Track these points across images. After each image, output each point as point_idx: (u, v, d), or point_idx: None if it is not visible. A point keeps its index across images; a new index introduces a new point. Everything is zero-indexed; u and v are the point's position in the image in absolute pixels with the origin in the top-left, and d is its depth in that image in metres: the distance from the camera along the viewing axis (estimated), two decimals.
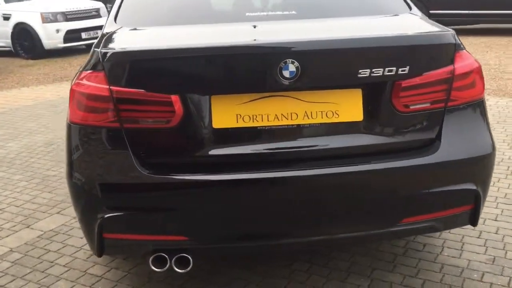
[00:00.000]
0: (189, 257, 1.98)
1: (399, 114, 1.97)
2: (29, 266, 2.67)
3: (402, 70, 1.92)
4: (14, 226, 3.15)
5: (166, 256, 1.99)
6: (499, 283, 2.32)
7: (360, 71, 1.89)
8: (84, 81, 1.97)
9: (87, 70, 1.99)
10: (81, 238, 2.85)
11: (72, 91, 2.02)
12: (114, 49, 1.97)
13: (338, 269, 2.45)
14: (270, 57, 1.87)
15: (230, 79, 1.92)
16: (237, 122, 1.93)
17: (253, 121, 1.94)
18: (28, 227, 3.13)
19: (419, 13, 2.41)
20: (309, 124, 1.95)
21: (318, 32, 2.14)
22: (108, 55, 1.93)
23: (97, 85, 1.93)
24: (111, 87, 1.91)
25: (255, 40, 2.01)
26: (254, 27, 2.17)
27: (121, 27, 2.29)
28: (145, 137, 1.95)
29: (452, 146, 1.99)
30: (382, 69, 1.90)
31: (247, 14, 2.34)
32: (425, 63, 1.96)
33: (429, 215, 2.02)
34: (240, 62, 1.91)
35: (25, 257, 2.77)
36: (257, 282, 2.39)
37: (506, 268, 2.42)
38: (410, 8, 2.44)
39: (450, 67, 1.98)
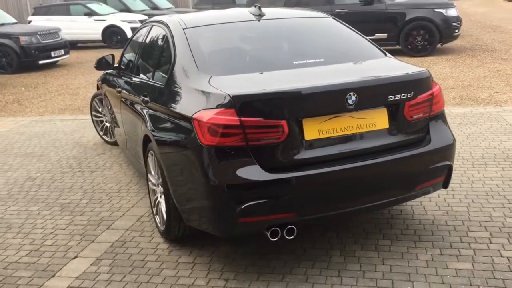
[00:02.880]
0: (294, 227, 2.98)
1: (408, 122, 3.20)
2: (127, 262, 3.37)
3: (409, 95, 3.15)
4: (80, 242, 3.76)
5: (278, 229, 2.96)
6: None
7: (388, 96, 3.09)
8: (219, 116, 2.86)
9: (218, 108, 2.89)
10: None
11: (204, 123, 2.89)
12: (239, 92, 2.90)
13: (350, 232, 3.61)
14: (340, 91, 2.98)
15: (315, 107, 2.98)
16: (319, 134, 3.00)
17: (328, 133, 3.02)
18: (92, 242, 3.76)
19: (392, 57, 3.70)
20: (359, 132, 3.09)
21: (358, 73, 3.29)
22: (237, 96, 2.86)
23: (230, 117, 2.85)
24: (241, 118, 2.85)
25: (329, 81, 3.09)
26: (314, 71, 3.27)
27: (212, 76, 3.19)
28: (263, 150, 2.91)
29: (436, 139, 3.27)
30: (399, 95, 3.11)
31: (294, 62, 3.40)
32: (419, 90, 3.21)
33: (429, 182, 3.27)
34: (321, 95, 2.98)
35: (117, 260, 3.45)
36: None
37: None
38: (385, 54, 3.72)
39: (430, 91, 3.27)
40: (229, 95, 2.87)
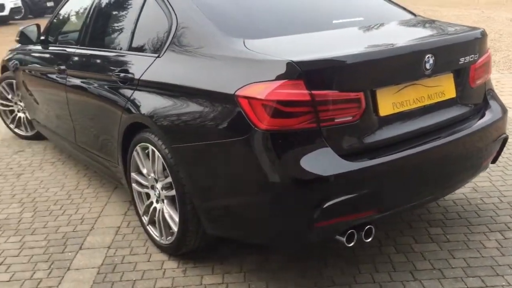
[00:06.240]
0: (372, 227, 2.37)
1: (471, 89, 2.73)
2: None
3: (475, 57, 2.67)
4: None
5: (355, 232, 2.33)
6: None
7: (459, 58, 2.58)
8: (282, 90, 2.13)
9: (278, 79, 2.15)
10: None
11: (260, 101, 2.14)
12: (304, 58, 2.18)
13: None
14: (419, 53, 2.39)
15: (389, 74, 2.37)
16: (393, 108, 2.40)
17: (402, 107, 2.43)
18: None
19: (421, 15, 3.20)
20: (430, 104, 2.54)
21: (421, 33, 2.76)
22: (304, 63, 2.15)
23: (298, 91, 2.13)
24: (312, 91, 2.14)
25: (404, 42, 2.48)
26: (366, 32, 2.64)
27: (246, 40, 2.42)
28: (336, 132, 2.24)
29: (495, 108, 2.85)
30: (468, 57, 2.62)
31: (334, 21, 2.74)
32: (482, 50, 2.75)
33: (489, 157, 2.85)
34: (398, 60, 2.37)
35: None
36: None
37: None
38: (414, 14, 3.21)
39: (488, 53, 2.83)
40: (292, 62, 2.14)
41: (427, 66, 2.42)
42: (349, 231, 2.31)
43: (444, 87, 2.60)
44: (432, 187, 2.55)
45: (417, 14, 3.23)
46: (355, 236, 2.33)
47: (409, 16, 3.14)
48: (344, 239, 2.31)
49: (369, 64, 2.30)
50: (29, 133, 5.08)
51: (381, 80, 2.35)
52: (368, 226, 2.35)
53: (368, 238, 2.37)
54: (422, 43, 2.52)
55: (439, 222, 3.09)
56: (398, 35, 2.76)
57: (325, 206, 2.17)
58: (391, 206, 2.42)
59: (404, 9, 3.25)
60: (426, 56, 2.40)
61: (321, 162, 2.19)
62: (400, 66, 2.40)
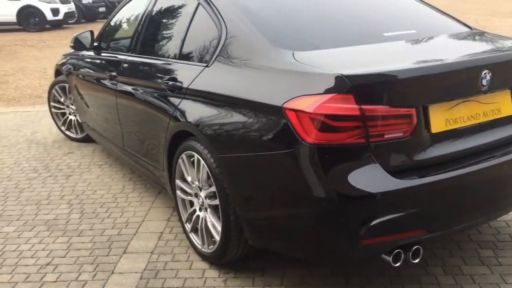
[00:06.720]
0: (420, 248, 2.29)
1: None
2: None
3: None
4: None
5: (402, 251, 2.26)
6: None
7: None
8: (331, 104, 2.09)
9: (326, 93, 2.11)
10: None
11: (308, 114, 2.11)
12: (355, 72, 2.14)
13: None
14: (476, 69, 2.31)
15: (442, 90, 2.29)
16: (446, 125, 2.32)
17: (456, 124, 2.34)
18: None
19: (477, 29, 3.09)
20: (485, 121, 2.44)
21: (476, 48, 2.67)
22: (354, 77, 2.10)
23: (348, 105, 2.09)
24: (362, 106, 2.10)
25: (459, 57, 2.41)
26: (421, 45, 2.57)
27: (295, 52, 2.40)
28: (386, 148, 2.18)
29: None
30: None
31: (384, 34, 2.68)
32: None
33: None
34: (453, 75, 2.30)
35: None
36: None
37: None
38: (469, 27, 3.10)
39: None
40: (342, 76, 2.10)
41: (484, 82, 2.33)
42: (396, 251, 2.24)
43: (500, 105, 2.49)
44: (484, 209, 2.45)
45: (472, 26, 3.12)
46: (402, 256, 2.26)
47: (463, 29, 3.05)
48: (390, 259, 2.24)
49: (422, 80, 2.23)
50: (79, 136, 5.22)
51: (434, 96, 2.28)
52: (416, 247, 2.27)
53: (416, 259, 2.29)
54: (479, 58, 2.43)
55: (490, 244, 2.97)
56: (453, 49, 2.68)
57: (372, 224, 2.12)
58: (440, 227, 2.33)
59: (458, 21, 3.15)
60: (483, 72, 2.32)
61: (369, 178, 2.13)
62: (455, 81, 2.32)
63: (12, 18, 16.45)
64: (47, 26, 16.67)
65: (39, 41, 14.02)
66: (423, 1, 3.32)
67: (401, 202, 2.18)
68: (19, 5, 16.39)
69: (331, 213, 2.16)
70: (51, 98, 5.31)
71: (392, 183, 2.14)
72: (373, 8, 3.06)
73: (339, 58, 2.41)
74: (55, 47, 12.70)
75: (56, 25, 17.09)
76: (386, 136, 2.16)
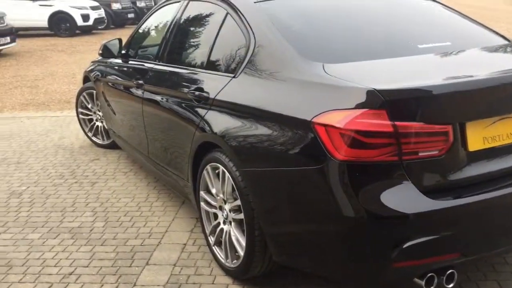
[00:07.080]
0: (455, 272, 2.18)
1: None
2: None
3: None
4: None
5: (435, 275, 2.15)
6: None
7: None
8: (363, 119, 2.01)
9: (358, 108, 2.03)
10: None
11: (338, 130, 2.03)
12: (388, 87, 2.05)
13: None
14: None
15: (480, 106, 2.19)
16: (484, 143, 2.21)
17: (494, 142, 2.23)
18: None
19: None
20: None
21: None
22: (387, 92, 2.02)
23: (380, 121, 2.00)
24: (395, 122, 2.01)
25: (498, 72, 2.30)
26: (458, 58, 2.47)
27: (325, 64, 2.32)
28: (420, 167, 2.08)
29: None
30: None
31: (419, 46, 2.59)
32: None
33: None
34: (492, 91, 2.19)
35: None
36: None
37: None
38: (507, 39, 2.98)
39: None
40: (375, 90, 2.02)
41: None
42: (429, 274, 2.13)
43: None
44: None
45: (511, 39, 3.00)
46: (435, 280, 2.15)
47: (500, 41, 2.92)
48: (423, 283, 2.14)
49: (459, 95, 2.13)
50: (105, 142, 5.23)
51: (472, 112, 2.17)
52: (451, 271, 2.16)
53: (450, 284, 2.18)
54: None
55: None
56: (491, 63, 2.57)
57: (404, 246, 2.02)
58: (476, 250, 2.22)
59: (496, 33, 3.03)
60: None
61: (402, 198, 2.04)
62: (494, 98, 2.22)
63: (44, 23, 16.72)
64: (77, 31, 16.91)
65: (69, 46, 14.22)
66: (457, 11, 3.20)
67: (435, 224, 2.07)
68: (51, 10, 16.65)
69: (361, 233, 2.07)
70: (79, 104, 5.33)
71: (426, 204, 2.04)
72: (406, 19, 2.97)
73: (371, 72, 2.32)
74: (85, 52, 12.86)
75: (86, 31, 17.32)
76: (420, 154, 2.07)
